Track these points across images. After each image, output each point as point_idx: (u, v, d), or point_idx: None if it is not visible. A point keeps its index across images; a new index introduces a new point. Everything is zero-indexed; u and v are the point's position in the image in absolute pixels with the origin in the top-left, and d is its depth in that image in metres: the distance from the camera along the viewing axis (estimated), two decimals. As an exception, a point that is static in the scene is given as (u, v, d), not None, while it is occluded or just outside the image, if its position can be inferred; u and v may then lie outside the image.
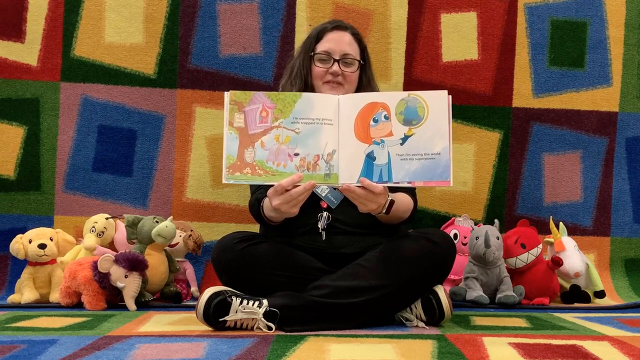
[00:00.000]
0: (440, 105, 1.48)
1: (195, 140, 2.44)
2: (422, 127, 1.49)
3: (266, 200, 1.64)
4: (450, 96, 1.49)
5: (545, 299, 2.16)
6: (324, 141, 1.51)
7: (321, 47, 1.83)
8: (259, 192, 1.76)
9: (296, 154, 1.51)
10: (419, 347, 1.35)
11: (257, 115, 1.52)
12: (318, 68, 1.82)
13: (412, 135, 1.49)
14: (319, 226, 1.71)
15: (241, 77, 2.44)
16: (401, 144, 1.49)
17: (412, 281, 1.60)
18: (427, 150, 1.48)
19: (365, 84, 1.87)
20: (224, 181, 1.51)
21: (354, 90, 1.85)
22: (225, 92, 1.53)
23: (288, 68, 1.92)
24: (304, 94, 1.55)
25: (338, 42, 1.82)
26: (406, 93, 1.51)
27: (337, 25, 1.86)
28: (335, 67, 1.80)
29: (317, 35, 1.85)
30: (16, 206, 2.37)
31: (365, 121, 1.51)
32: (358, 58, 1.84)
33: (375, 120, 1.51)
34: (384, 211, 1.56)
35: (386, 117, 1.50)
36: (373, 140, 1.50)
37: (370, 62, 1.91)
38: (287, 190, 1.50)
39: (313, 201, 1.62)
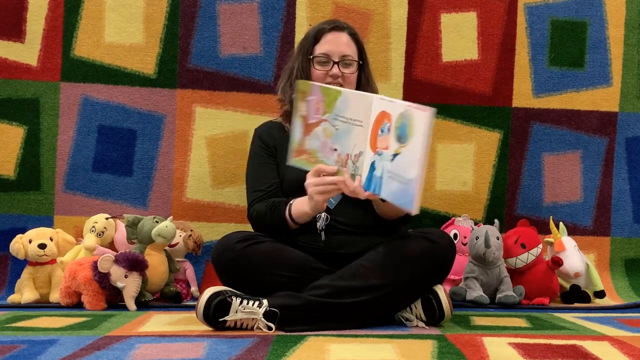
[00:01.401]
0: (420, 126, 1.34)
1: (195, 140, 2.44)
2: (406, 148, 1.38)
3: (297, 202, 1.65)
4: (433, 114, 1.34)
5: (545, 299, 2.16)
6: (353, 142, 1.50)
7: (320, 49, 1.81)
8: (256, 196, 1.77)
9: (334, 150, 1.53)
10: (419, 347, 1.35)
11: (314, 106, 1.54)
12: (317, 71, 1.80)
13: (398, 154, 1.40)
14: (318, 226, 1.71)
15: (241, 77, 2.44)
16: (391, 161, 1.41)
17: (412, 281, 1.60)
18: (404, 173, 1.38)
19: (364, 83, 1.86)
20: (287, 163, 1.61)
21: None
22: (296, 81, 1.60)
23: (286, 69, 1.90)
24: (343, 91, 1.53)
25: (336, 44, 1.80)
26: (406, 105, 1.39)
27: (335, 26, 1.84)
28: (335, 70, 1.79)
29: (314, 37, 1.83)
30: (16, 206, 2.37)
31: (376, 128, 1.46)
32: (356, 58, 1.83)
33: (382, 131, 1.45)
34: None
35: (389, 130, 1.43)
36: (377, 150, 1.45)
37: (368, 61, 1.89)
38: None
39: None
